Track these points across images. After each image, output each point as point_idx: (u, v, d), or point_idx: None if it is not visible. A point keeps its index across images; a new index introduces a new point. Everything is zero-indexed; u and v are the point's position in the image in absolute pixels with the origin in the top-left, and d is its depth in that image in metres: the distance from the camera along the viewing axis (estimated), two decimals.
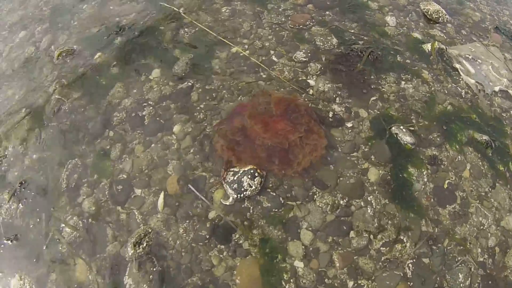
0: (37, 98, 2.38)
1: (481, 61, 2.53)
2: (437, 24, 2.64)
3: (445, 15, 2.69)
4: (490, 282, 1.79)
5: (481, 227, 1.89)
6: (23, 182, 2.07)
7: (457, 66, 2.38)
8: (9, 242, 1.91)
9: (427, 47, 2.41)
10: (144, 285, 1.67)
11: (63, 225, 1.87)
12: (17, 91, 2.55)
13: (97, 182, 1.96)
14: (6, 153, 2.21)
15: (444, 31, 2.61)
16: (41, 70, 2.56)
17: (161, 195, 1.85)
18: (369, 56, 2.28)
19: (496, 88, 2.43)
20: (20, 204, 1.99)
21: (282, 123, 1.89)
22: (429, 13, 2.67)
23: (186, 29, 2.44)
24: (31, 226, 1.93)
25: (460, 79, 2.34)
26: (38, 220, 1.93)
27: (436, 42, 2.45)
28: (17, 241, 1.91)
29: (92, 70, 2.38)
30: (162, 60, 2.31)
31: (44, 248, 1.85)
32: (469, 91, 2.31)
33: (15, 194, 2.02)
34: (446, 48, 2.47)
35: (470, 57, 2.51)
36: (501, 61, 2.64)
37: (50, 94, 2.36)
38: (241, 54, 2.25)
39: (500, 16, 2.99)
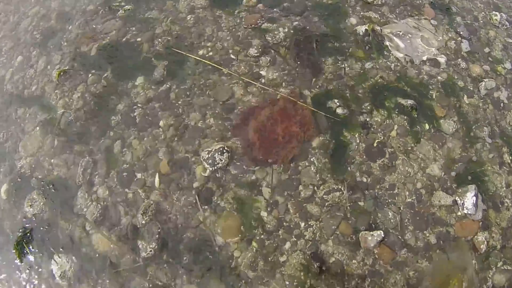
0: (45, 113, 2.86)
1: (411, 35, 2.97)
2: (374, 6, 3.05)
3: None
4: (418, 218, 2.21)
5: (408, 175, 2.32)
6: (48, 182, 2.60)
7: (387, 43, 2.84)
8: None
9: (361, 29, 2.84)
10: (153, 243, 2.26)
11: (85, 209, 2.45)
12: (27, 109, 2.99)
13: (106, 173, 2.52)
14: (27, 160, 2.74)
15: (379, 12, 3.01)
16: (43, 89, 3.00)
17: (157, 176, 2.41)
18: (315, 44, 2.74)
19: (424, 58, 2.87)
20: (46, 199, 2.55)
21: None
22: None
23: (159, 40, 2.91)
24: (59, 215, 2.49)
25: (390, 55, 2.80)
26: (64, 209, 2.50)
27: (371, 24, 2.88)
28: (50, 228, 2.48)
29: (87, 85, 2.87)
30: (144, 68, 2.80)
31: (71, 230, 2.41)
32: (398, 64, 2.77)
33: (42, 192, 2.58)
34: (381, 29, 2.90)
35: (401, 33, 2.94)
36: (431, 32, 3.07)
37: (56, 108, 2.84)
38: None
39: None
